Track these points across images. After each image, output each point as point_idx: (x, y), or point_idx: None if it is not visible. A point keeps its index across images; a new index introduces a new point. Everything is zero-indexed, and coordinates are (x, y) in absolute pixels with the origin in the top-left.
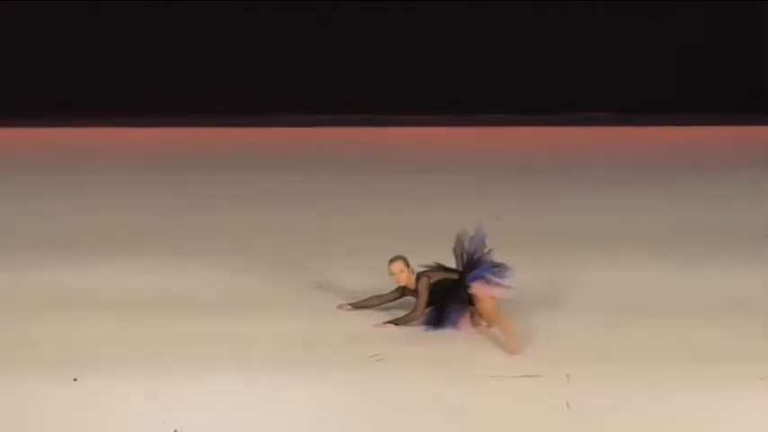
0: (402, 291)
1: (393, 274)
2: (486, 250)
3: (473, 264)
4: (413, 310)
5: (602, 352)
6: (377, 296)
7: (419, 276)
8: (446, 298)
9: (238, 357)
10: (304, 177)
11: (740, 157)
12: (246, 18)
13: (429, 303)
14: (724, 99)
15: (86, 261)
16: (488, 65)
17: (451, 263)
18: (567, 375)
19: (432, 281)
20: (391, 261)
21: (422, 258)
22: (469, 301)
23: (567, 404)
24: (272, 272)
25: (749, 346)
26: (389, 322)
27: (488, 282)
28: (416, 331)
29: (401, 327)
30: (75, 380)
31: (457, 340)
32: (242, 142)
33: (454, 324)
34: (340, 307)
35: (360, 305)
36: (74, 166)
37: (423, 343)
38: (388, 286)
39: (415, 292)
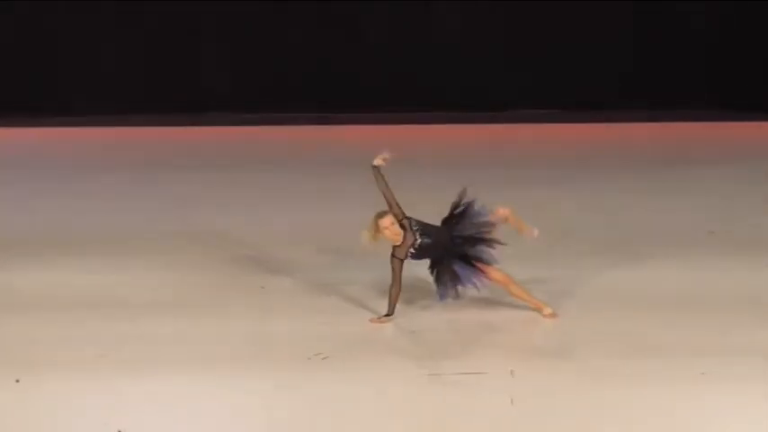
0: (393, 253)
1: (385, 228)
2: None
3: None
4: (390, 293)
5: (546, 347)
6: (392, 288)
7: (391, 258)
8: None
9: (182, 358)
10: (252, 176)
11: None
12: (193, 17)
13: (420, 255)
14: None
15: (28, 262)
16: (471, 64)
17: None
18: (511, 371)
19: (404, 259)
20: (380, 216)
21: None
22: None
23: (511, 400)
24: (216, 272)
25: (692, 341)
26: (383, 318)
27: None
28: (361, 330)
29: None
30: (18, 381)
31: (402, 339)
32: (187, 142)
33: (469, 279)
34: (373, 321)
35: (391, 310)
36: (14, 165)
37: (367, 341)
38: (337, 281)
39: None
